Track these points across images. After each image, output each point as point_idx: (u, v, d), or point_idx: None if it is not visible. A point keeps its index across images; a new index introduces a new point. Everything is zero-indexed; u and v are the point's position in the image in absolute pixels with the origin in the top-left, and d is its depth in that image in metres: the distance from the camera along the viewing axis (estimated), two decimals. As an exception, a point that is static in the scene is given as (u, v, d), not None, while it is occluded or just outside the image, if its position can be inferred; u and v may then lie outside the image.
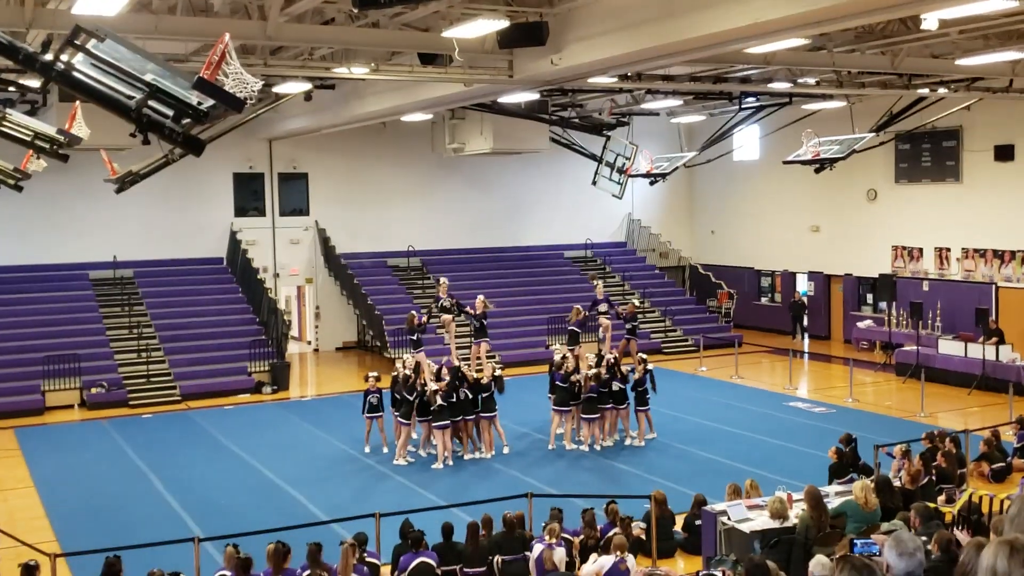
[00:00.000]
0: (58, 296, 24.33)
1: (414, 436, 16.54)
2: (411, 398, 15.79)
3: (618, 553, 9.77)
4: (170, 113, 6.09)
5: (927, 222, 25.18)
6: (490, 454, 16.27)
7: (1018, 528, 4.13)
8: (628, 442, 16.96)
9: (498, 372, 16.66)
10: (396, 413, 16.30)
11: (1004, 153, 23.22)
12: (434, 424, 15.78)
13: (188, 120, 6.13)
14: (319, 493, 14.60)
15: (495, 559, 10.68)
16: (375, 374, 16.88)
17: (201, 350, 23.44)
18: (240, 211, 27.47)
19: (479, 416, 16.28)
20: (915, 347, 22.41)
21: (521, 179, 30.23)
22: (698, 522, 11.33)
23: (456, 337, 19.02)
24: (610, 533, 10.72)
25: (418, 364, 16.29)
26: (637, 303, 22.28)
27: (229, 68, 6.08)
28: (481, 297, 18.29)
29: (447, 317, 18.20)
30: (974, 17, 13.24)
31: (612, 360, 16.84)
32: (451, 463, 15.81)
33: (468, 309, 18.04)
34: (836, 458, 13.31)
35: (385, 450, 16.69)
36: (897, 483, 12.20)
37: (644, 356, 17.66)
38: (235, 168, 27.16)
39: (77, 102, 12.38)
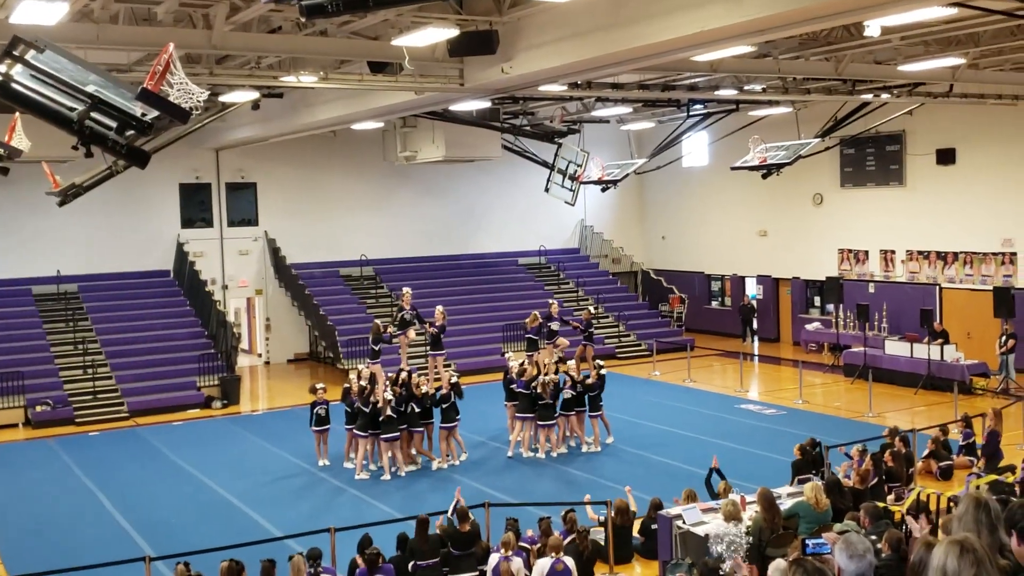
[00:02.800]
0: None
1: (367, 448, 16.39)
2: (367, 410, 15.64)
3: (553, 554, 9.87)
4: (113, 125, 5.99)
5: (872, 225, 25.64)
6: (447, 464, 16.18)
7: (965, 527, 4.20)
8: (584, 448, 17.00)
9: (455, 379, 16.60)
10: (350, 427, 16.14)
11: (946, 157, 23.73)
12: (383, 436, 15.64)
13: (132, 132, 6.03)
14: (272, 509, 14.40)
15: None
16: (322, 385, 16.73)
17: (149, 365, 23.03)
18: (187, 222, 27.07)
19: (439, 427, 16.19)
20: (862, 348, 22.77)
21: (474, 187, 30.22)
22: (654, 526, 11.38)
23: (408, 346, 18.87)
24: (566, 540, 10.75)
25: (373, 375, 16.16)
26: (592, 310, 22.37)
27: (174, 78, 6.00)
28: (440, 308, 18.22)
29: (411, 333, 18.01)
30: (915, 24, 13.52)
31: (566, 368, 16.85)
32: (402, 474, 15.71)
33: (428, 326, 17.92)
34: (799, 455, 13.49)
35: (327, 462, 16.54)
36: (848, 482, 12.40)
37: (601, 363, 17.72)
38: (181, 179, 26.78)
39: (17, 114, 12.13)
